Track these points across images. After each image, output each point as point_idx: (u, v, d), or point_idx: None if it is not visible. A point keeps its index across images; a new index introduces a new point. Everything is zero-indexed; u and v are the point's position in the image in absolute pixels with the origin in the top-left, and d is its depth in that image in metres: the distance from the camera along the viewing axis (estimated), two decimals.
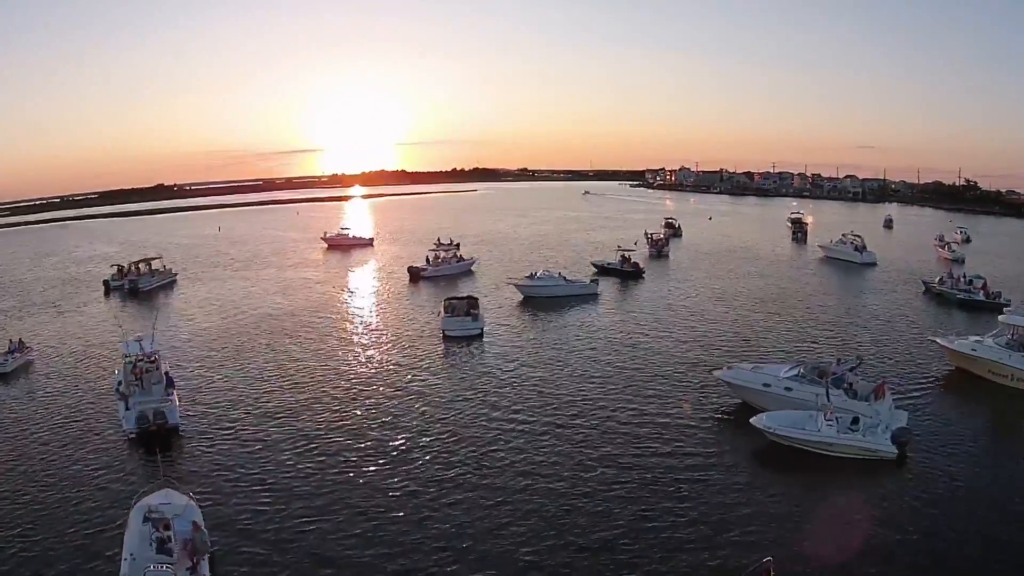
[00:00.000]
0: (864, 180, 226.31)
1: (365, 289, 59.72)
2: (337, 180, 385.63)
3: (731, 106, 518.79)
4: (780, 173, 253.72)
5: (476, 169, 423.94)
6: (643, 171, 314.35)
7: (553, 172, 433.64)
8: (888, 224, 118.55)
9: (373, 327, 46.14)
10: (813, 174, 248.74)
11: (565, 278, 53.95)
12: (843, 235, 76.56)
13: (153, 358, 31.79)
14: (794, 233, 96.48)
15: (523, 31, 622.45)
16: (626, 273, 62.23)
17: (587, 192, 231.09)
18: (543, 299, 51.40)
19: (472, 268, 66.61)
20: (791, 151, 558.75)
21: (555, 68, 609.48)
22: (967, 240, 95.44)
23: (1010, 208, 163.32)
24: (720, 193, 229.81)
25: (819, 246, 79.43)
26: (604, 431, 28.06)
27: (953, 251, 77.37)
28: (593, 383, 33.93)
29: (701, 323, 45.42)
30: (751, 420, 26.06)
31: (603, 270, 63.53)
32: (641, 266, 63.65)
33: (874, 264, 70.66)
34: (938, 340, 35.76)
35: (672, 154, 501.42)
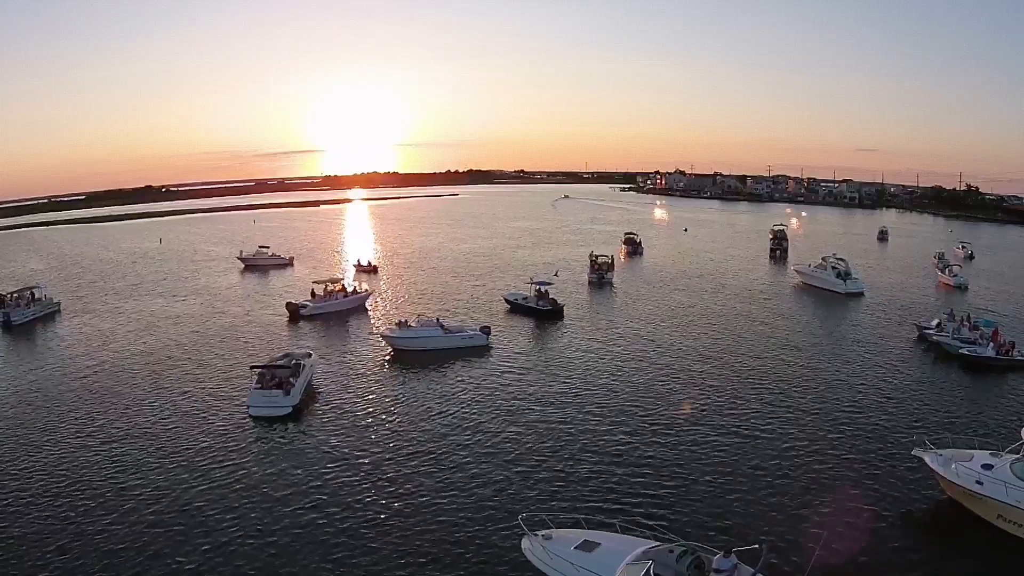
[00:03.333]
0: (862, 184, 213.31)
1: (229, 331, 47.46)
2: (330, 181, 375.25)
3: (731, 109, 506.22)
4: (775, 177, 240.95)
5: (470, 171, 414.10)
6: (635, 175, 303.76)
7: (549, 174, 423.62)
8: (883, 236, 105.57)
9: (191, 396, 34.19)
10: (809, 178, 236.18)
11: (443, 326, 41.31)
12: (824, 258, 63.54)
13: None
14: (773, 250, 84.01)
15: (525, 34, 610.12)
16: (542, 312, 49.28)
17: (566, 196, 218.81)
18: (416, 353, 39.24)
19: (367, 304, 54.01)
20: (790, 153, 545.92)
21: (556, 71, 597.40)
22: (970, 257, 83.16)
23: (1012, 215, 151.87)
24: (710, 198, 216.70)
25: (795, 270, 66.58)
26: None
27: (955, 275, 64.63)
28: (408, 511, 21.92)
29: (600, 406, 31.81)
30: None
31: (515, 307, 51.02)
32: (560, 302, 50.48)
33: (860, 294, 58.07)
34: (925, 458, 22.78)
35: (670, 157, 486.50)
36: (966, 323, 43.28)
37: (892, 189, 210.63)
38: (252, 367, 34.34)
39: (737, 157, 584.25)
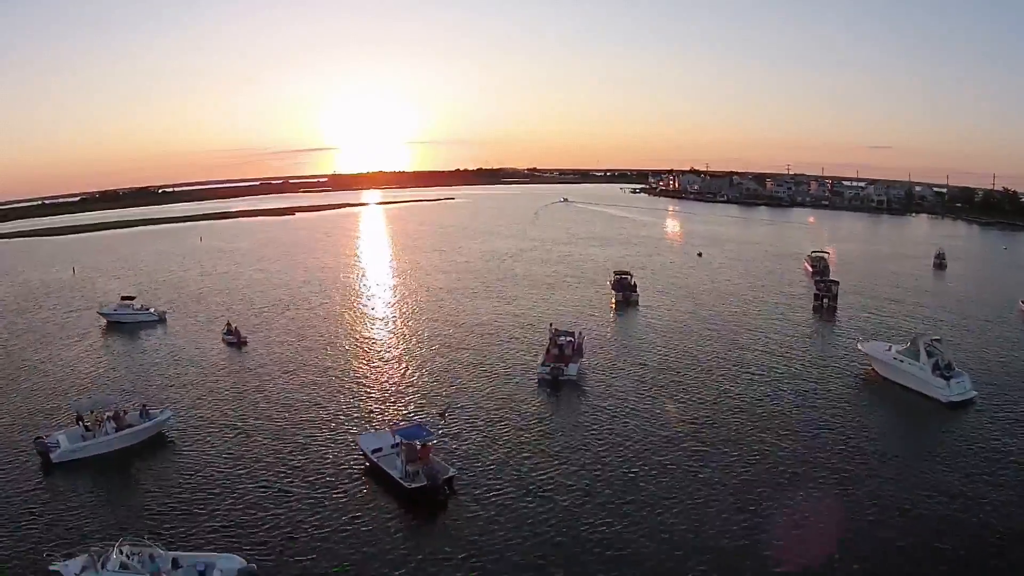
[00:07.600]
0: (888, 186, 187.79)
1: None
2: (336, 180, 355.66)
3: (743, 106, 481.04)
4: (795, 177, 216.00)
5: (479, 169, 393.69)
6: (647, 173, 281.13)
7: (561, 172, 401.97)
8: (940, 263, 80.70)
9: None
10: (832, 179, 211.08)
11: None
12: (914, 339, 38.97)
13: None
14: (818, 297, 59.25)
15: (540, 32, 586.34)
16: (410, 493, 24.95)
17: (565, 199, 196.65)
18: None
19: (165, 431, 31.65)
20: (801, 152, 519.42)
21: (570, 69, 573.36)
22: None
23: None
24: (727, 202, 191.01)
25: (864, 351, 41.51)
26: None
27: None
28: None
29: None
30: None
31: (374, 470, 27.11)
32: (445, 471, 25.91)
33: (970, 402, 35.34)
34: None
35: (683, 154, 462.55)
36: None
37: (918, 189, 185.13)
38: None
39: (750, 153, 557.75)
